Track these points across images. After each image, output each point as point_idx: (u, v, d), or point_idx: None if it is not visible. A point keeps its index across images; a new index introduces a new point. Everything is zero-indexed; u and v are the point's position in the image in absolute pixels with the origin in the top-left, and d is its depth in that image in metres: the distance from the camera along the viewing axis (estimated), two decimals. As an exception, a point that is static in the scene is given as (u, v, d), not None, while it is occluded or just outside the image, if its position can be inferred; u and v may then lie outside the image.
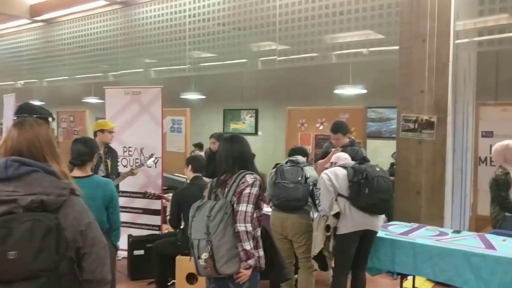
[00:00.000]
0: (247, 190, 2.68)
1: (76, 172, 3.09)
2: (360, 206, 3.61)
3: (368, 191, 3.56)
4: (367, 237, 3.73)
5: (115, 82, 9.40)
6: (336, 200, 3.70)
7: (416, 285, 4.31)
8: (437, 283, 4.57)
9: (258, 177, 2.77)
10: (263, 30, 6.91)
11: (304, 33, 6.41)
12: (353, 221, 3.65)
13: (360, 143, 5.78)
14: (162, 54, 8.37)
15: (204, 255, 2.55)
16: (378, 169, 3.74)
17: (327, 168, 4.02)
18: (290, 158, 4.43)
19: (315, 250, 3.80)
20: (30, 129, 1.77)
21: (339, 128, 5.01)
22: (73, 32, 9.86)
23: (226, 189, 2.74)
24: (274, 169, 4.37)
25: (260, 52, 7.41)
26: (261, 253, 2.78)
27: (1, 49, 12.01)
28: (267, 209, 4.51)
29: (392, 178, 5.69)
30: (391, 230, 4.03)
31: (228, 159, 2.81)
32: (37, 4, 9.79)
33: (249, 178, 2.72)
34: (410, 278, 4.29)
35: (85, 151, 3.16)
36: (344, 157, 4.06)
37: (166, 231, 5.39)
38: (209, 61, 7.98)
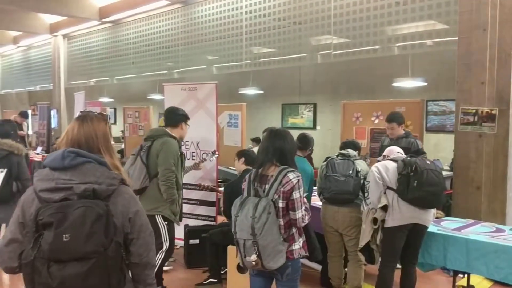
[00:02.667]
0: (297, 195, 2.72)
1: (297, 152, 3.87)
2: (408, 199, 3.55)
3: (416, 184, 3.49)
4: (416, 232, 3.66)
5: (179, 79, 9.74)
6: (384, 193, 3.67)
7: (472, 284, 4.16)
8: (496, 282, 4.40)
9: (300, 175, 2.79)
10: (318, 24, 6.90)
11: (359, 25, 6.34)
12: (401, 214, 3.60)
13: (417, 137, 5.64)
14: (221, 50, 8.58)
15: (253, 257, 2.64)
16: (429, 162, 3.65)
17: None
18: (341, 151, 4.43)
19: (361, 243, 3.80)
20: (90, 124, 1.94)
21: (393, 118, 5.02)
22: (138, 31, 10.35)
23: (267, 186, 2.76)
24: (325, 162, 4.38)
25: (317, 46, 7.40)
26: (301, 241, 2.84)
27: (74, 50, 12.83)
28: (317, 202, 4.56)
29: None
30: (444, 225, 3.93)
31: (267, 151, 2.84)
32: (105, 6, 10.36)
33: (292, 177, 2.73)
34: (465, 275, 4.15)
35: (301, 142, 4.35)
36: (397, 151, 4.00)
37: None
38: (266, 56, 8.07)
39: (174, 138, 4.07)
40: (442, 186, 3.62)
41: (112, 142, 2.13)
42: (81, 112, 2.07)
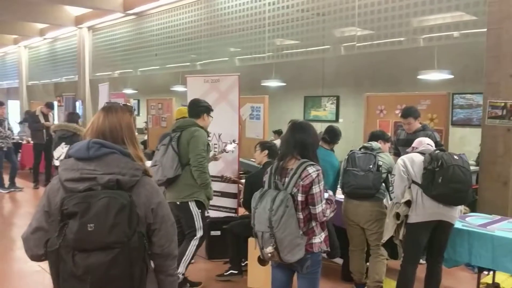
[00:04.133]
0: (316, 189, 2.69)
1: (323, 145, 4.43)
2: (432, 195, 3.47)
3: (441, 180, 3.39)
4: (441, 229, 3.58)
5: (201, 71, 9.76)
6: (409, 187, 3.59)
7: (497, 281, 4.07)
8: (522, 280, 4.30)
9: (320, 168, 2.76)
10: (342, 15, 6.81)
11: (384, 17, 6.23)
12: (425, 210, 3.52)
13: (442, 131, 5.54)
14: (243, 42, 8.55)
15: (269, 249, 2.65)
16: (456, 157, 3.53)
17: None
18: (365, 144, 4.38)
19: (384, 237, 3.73)
20: (115, 114, 1.95)
21: (409, 112, 4.99)
22: (162, 23, 10.39)
23: (287, 179, 2.74)
24: (347, 156, 4.33)
25: (340, 38, 7.30)
26: (323, 236, 2.82)
27: (99, 42, 12.97)
28: (339, 195, 4.52)
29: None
30: (469, 221, 3.84)
31: (288, 143, 2.82)
32: (129, -2, 10.44)
33: (312, 171, 2.70)
34: (490, 272, 4.07)
35: (329, 135, 4.60)
36: (426, 143, 3.87)
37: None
38: (289, 48, 8.01)
39: (202, 128, 4.23)
40: (469, 183, 3.51)
41: (136, 133, 2.14)
42: (106, 103, 2.08)
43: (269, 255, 2.68)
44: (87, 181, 1.77)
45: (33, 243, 1.82)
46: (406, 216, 3.61)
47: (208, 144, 4.31)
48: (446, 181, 3.41)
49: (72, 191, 1.76)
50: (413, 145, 3.96)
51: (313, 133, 2.90)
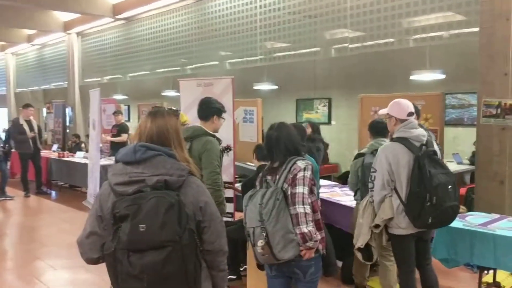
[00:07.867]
0: (301, 174, 2.66)
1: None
2: (416, 226, 3.22)
3: (431, 221, 3.14)
4: (422, 236, 3.39)
5: (192, 75, 9.70)
6: (390, 196, 3.25)
7: (497, 280, 4.06)
8: (522, 278, 4.30)
9: (310, 162, 2.76)
10: (334, 17, 6.80)
11: (376, 17, 6.23)
12: (407, 223, 3.25)
13: (437, 131, 5.54)
14: (235, 46, 8.52)
15: (260, 242, 2.59)
16: (450, 189, 3.13)
17: None
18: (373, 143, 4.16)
19: (361, 242, 3.36)
20: (162, 118, 2.02)
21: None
22: (152, 28, 10.33)
23: (277, 176, 2.74)
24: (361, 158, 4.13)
25: (332, 39, 7.30)
26: (319, 236, 2.69)
27: (88, 48, 12.86)
28: (336, 197, 4.49)
29: (473, 167, 5.43)
30: (470, 220, 3.82)
31: (279, 147, 2.81)
32: (119, 3, 10.36)
33: (301, 163, 2.70)
34: (490, 272, 4.06)
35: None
36: (409, 110, 3.33)
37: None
38: (280, 51, 7.99)
39: (214, 136, 3.79)
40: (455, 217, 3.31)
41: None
42: (152, 107, 2.13)
43: (262, 250, 2.60)
44: (136, 183, 1.83)
45: (88, 247, 1.91)
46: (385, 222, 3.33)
47: (222, 151, 3.91)
48: (436, 222, 3.21)
49: (122, 195, 1.83)
50: (389, 111, 3.43)
51: (294, 130, 2.91)
